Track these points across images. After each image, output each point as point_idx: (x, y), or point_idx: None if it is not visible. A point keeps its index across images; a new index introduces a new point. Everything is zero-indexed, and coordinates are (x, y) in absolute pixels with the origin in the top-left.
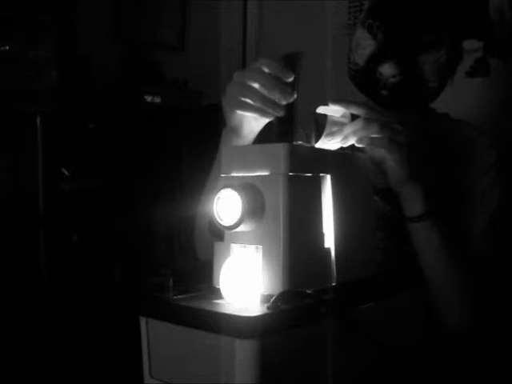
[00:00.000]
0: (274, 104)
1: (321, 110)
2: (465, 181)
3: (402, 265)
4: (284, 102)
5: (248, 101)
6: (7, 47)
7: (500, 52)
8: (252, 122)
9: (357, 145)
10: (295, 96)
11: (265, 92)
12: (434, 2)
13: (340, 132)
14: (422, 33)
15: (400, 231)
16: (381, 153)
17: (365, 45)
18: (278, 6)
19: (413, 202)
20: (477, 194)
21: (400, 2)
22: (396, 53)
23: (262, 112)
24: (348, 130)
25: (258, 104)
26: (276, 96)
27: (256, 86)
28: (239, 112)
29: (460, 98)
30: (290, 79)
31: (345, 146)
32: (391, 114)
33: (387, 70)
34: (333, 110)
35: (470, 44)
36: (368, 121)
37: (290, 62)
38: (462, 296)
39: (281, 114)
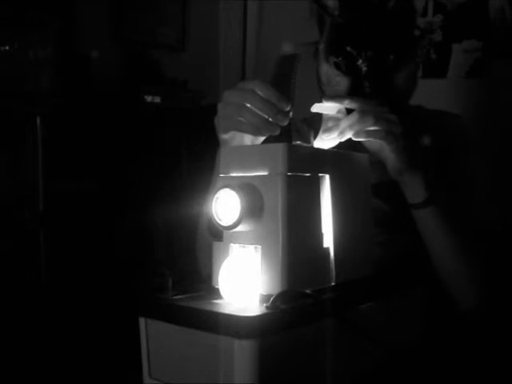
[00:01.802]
0: (271, 124)
1: (315, 107)
2: (450, 165)
3: (400, 257)
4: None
5: (244, 120)
6: (7, 47)
7: (500, 52)
8: (248, 143)
9: (354, 139)
10: (290, 114)
11: (260, 113)
12: (385, 22)
13: (336, 127)
14: (387, 57)
15: (396, 224)
16: (378, 144)
17: (337, 81)
18: (278, 6)
19: (415, 190)
20: (464, 174)
21: (354, 34)
22: (371, 86)
23: (259, 132)
24: (344, 124)
25: (255, 124)
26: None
27: (250, 107)
28: (235, 132)
29: (460, 98)
30: (287, 109)
31: (342, 140)
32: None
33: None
34: (328, 107)
35: (470, 44)
36: (363, 113)
37: (287, 63)
38: (472, 277)
39: (277, 133)
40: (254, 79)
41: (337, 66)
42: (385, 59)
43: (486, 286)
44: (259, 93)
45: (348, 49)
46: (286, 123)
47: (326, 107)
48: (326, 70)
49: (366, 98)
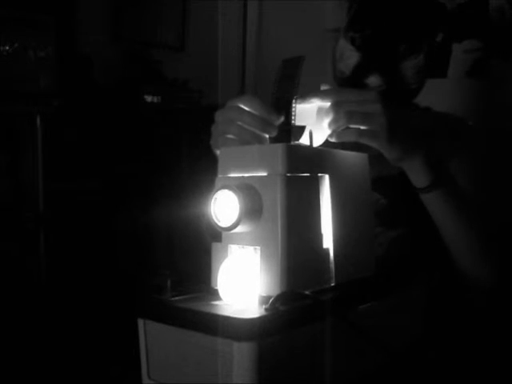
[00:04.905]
0: (260, 137)
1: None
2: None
3: (393, 248)
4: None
5: (233, 137)
6: (7, 47)
7: (500, 52)
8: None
9: (333, 141)
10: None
11: (248, 127)
12: (407, 10)
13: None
14: (400, 43)
15: (390, 216)
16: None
17: (349, 55)
18: (277, 7)
19: (417, 175)
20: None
21: (376, 14)
22: (379, 65)
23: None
24: (325, 125)
25: (245, 139)
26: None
27: (240, 123)
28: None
29: (460, 98)
30: (277, 122)
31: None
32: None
33: (373, 81)
34: (313, 105)
35: (470, 44)
36: (336, 112)
37: (291, 65)
38: (486, 253)
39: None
40: (243, 95)
41: (352, 41)
42: (397, 44)
43: (500, 264)
44: (246, 108)
45: (366, 26)
46: (274, 134)
47: (313, 104)
48: (342, 44)
49: (370, 77)
